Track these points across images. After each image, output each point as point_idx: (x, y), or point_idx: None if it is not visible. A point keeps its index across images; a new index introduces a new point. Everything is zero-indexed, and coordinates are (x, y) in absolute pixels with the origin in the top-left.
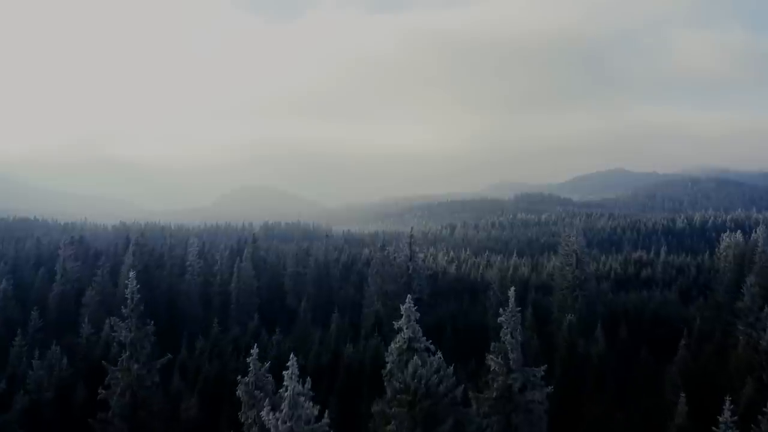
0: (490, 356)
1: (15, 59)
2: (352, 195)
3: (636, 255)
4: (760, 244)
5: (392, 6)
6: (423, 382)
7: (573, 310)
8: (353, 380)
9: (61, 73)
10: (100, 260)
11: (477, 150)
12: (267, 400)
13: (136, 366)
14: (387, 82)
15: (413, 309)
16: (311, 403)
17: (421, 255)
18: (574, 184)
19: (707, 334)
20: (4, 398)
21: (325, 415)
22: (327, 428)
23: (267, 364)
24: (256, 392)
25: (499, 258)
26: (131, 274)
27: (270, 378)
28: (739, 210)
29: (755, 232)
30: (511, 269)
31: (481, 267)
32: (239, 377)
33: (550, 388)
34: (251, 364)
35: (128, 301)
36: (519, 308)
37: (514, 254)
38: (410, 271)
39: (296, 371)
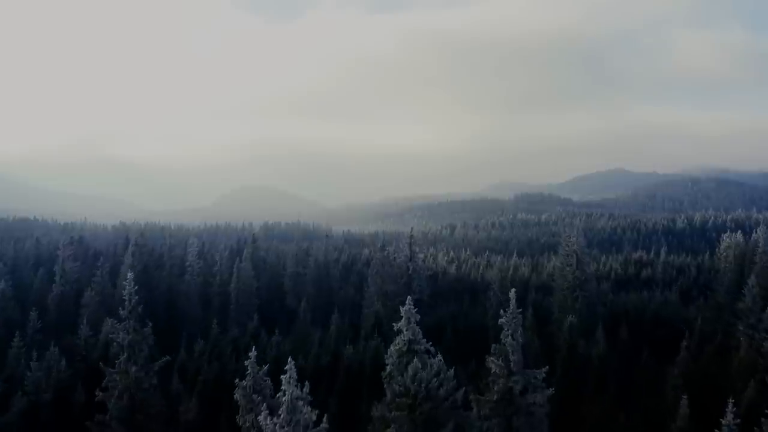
0: (491, 358)
1: (15, 59)
2: (352, 195)
3: (636, 255)
4: (760, 245)
5: (392, 6)
6: (423, 385)
7: (573, 311)
8: (353, 381)
9: (61, 73)
10: (100, 261)
11: (477, 150)
12: (265, 404)
13: (134, 368)
14: (387, 82)
15: (413, 311)
16: (309, 408)
17: (421, 255)
18: (574, 184)
19: (708, 335)
20: (2, 400)
21: (324, 419)
22: None
23: (265, 367)
24: (254, 396)
25: (499, 258)
26: (129, 275)
27: (268, 381)
28: (740, 210)
29: (756, 232)
30: (511, 269)
31: (481, 267)
32: (237, 380)
33: (551, 390)
34: (249, 367)
35: (126, 303)
36: (520, 310)
37: (515, 254)
38: (410, 272)
39: (294, 375)
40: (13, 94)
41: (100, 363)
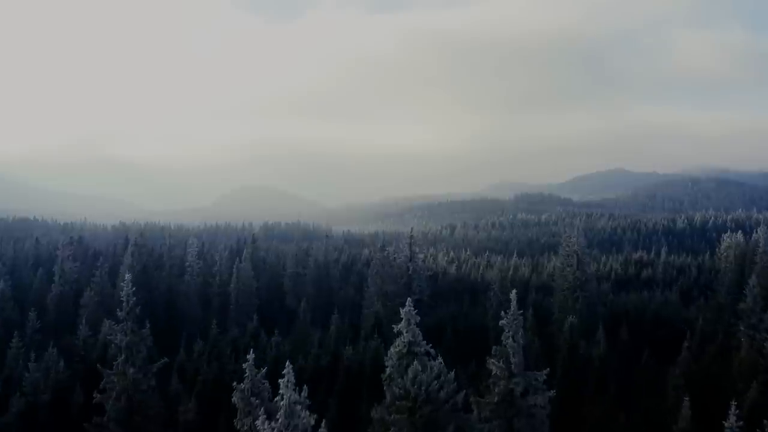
0: (492, 360)
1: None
2: (352, 195)
3: (636, 255)
4: (761, 245)
5: (392, 6)
6: (423, 387)
7: (574, 311)
8: (353, 382)
9: (61, 73)
10: (99, 261)
11: (477, 150)
12: (263, 408)
13: (131, 370)
14: (387, 82)
15: (413, 312)
16: (308, 412)
17: (421, 255)
18: (574, 184)
19: (709, 336)
20: (0, 401)
21: (323, 424)
22: None
23: (263, 370)
24: (252, 399)
25: (499, 258)
26: (126, 276)
27: (266, 384)
28: (740, 210)
29: (756, 232)
30: (511, 270)
31: (481, 267)
32: (235, 383)
33: (552, 392)
34: (247, 370)
35: (123, 304)
36: (521, 311)
37: (515, 255)
38: (410, 272)
39: (292, 379)
40: (13, 94)
41: (98, 365)
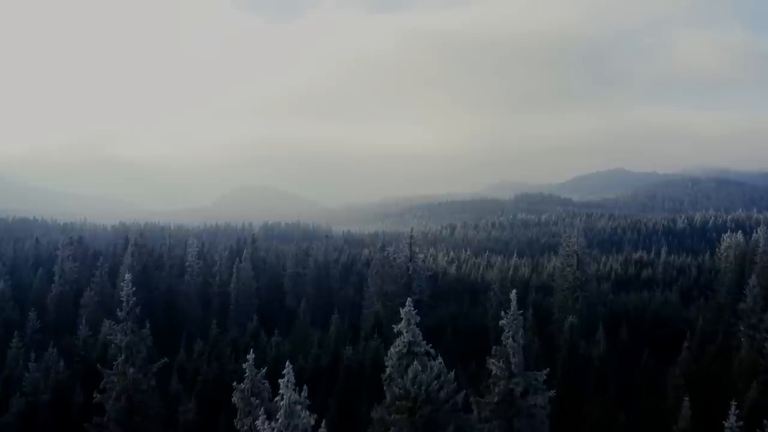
0: (492, 360)
1: (15, 59)
2: (352, 195)
3: (636, 255)
4: (761, 245)
5: (392, 6)
6: (423, 388)
7: (574, 312)
8: (353, 382)
9: (61, 73)
10: (99, 261)
11: (477, 150)
12: (263, 408)
13: (131, 370)
14: (387, 82)
15: (413, 312)
16: (308, 412)
17: (421, 256)
18: (574, 184)
19: (709, 336)
20: (0, 401)
21: (322, 424)
22: None
23: (263, 370)
24: (252, 399)
25: (499, 258)
26: (126, 276)
27: (266, 384)
28: (740, 210)
29: (756, 232)
30: (511, 270)
31: (481, 267)
32: (234, 383)
33: (552, 392)
34: (247, 370)
35: (123, 305)
36: (521, 311)
37: (515, 255)
38: (410, 272)
39: (292, 379)
40: (13, 94)
41: (98, 365)
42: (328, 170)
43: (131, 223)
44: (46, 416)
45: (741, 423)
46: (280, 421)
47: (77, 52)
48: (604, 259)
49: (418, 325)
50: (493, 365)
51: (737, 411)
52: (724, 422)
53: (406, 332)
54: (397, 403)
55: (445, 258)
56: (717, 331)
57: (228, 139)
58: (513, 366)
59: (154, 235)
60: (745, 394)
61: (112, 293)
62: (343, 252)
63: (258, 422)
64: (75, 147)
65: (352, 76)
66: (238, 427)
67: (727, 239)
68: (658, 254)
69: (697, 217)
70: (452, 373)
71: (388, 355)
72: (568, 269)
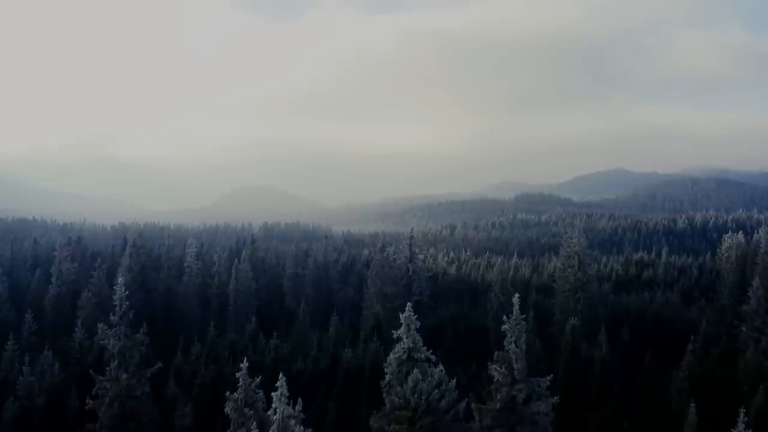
0: (494, 366)
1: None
2: (352, 195)
3: (637, 256)
4: (762, 245)
5: (392, 6)
6: (424, 397)
7: (575, 313)
8: (352, 385)
9: (61, 73)
10: (97, 262)
11: (477, 150)
12: (255, 421)
13: (124, 375)
14: (387, 82)
15: (413, 317)
16: (302, 427)
17: (421, 256)
18: (574, 184)
19: (712, 338)
20: None
21: None
22: None
23: (258, 379)
24: (246, 410)
25: (499, 259)
26: (120, 280)
27: (260, 394)
28: (740, 210)
29: (757, 232)
30: (511, 270)
31: (481, 268)
32: (227, 393)
33: (555, 398)
34: (240, 380)
35: (116, 309)
36: (523, 316)
37: (515, 255)
38: (410, 273)
39: (285, 392)
40: (13, 94)
41: (90, 370)
42: (328, 170)
43: (131, 223)
44: (41, 420)
45: (749, 431)
46: None
47: (77, 52)
48: (604, 259)
49: (418, 329)
50: (496, 371)
51: (746, 419)
52: (732, 430)
53: (406, 338)
54: (397, 412)
55: (445, 258)
56: (720, 333)
57: (228, 139)
58: (516, 372)
59: (154, 235)
60: (752, 399)
61: (110, 295)
62: (342, 252)
63: None
64: (75, 147)
65: (352, 76)
66: None
67: (728, 240)
68: (658, 255)
69: (698, 217)
70: (453, 381)
71: (388, 361)
72: (569, 270)
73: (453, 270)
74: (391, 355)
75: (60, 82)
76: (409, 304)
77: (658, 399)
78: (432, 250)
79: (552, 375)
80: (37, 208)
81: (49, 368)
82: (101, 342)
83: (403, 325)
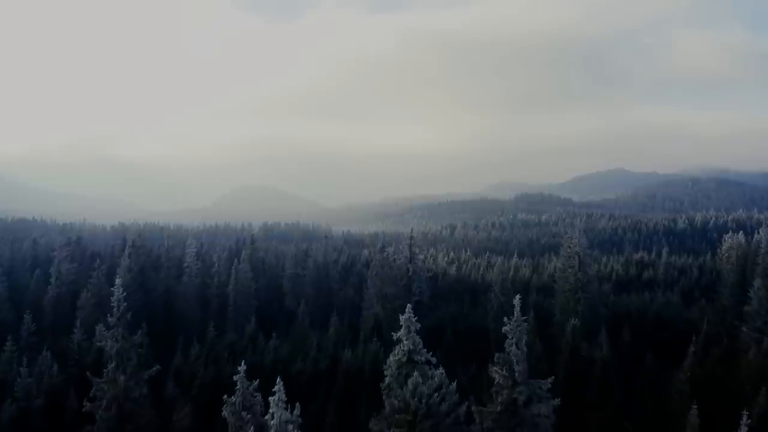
0: (495, 368)
1: (15, 59)
2: (352, 195)
3: (637, 256)
4: (763, 246)
5: (392, 6)
6: (424, 400)
7: (575, 313)
8: (352, 386)
9: (61, 73)
10: (96, 262)
11: (477, 150)
12: (253, 426)
13: (122, 377)
14: (387, 82)
15: (413, 319)
16: None
17: (421, 256)
18: (574, 184)
19: (713, 338)
20: None
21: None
22: None
23: (255, 383)
24: (244, 413)
25: (499, 259)
26: (117, 281)
27: (258, 398)
28: (740, 210)
29: (758, 232)
30: (512, 270)
31: (481, 268)
32: (225, 397)
33: (557, 400)
34: (238, 383)
35: (114, 310)
36: (524, 318)
37: (515, 255)
38: (410, 274)
39: (283, 397)
40: (13, 94)
41: (87, 372)
42: (328, 170)
43: (130, 223)
44: (39, 422)
45: None
46: None
47: (77, 52)
48: (604, 259)
49: (417, 331)
50: (496, 373)
51: (749, 421)
52: (733, 431)
53: (406, 340)
54: (396, 416)
55: (445, 258)
56: (720, 334)
57: (228, 139)
58: (517, 374)
59: (153, 235)
60: (754, 400)
61: (109, 295)
62: (342, 252)
63: None
64: (75, 147)
65: (352, 76)
66: None
67: (728, 240)
68: (659, 255)
69: (698, 217)
70: (454, 384)
71: (387, 363)
72: (570, 270)
73: (453, 270)
74: (391, 357)
75: (60, 82)
76: (408, 305)
77: (659, 400)
78: (432, 251)
79: (553, 376)
80: (37, 208)
81: (47, 369)
82: (99, 344)
83: (402, 327)
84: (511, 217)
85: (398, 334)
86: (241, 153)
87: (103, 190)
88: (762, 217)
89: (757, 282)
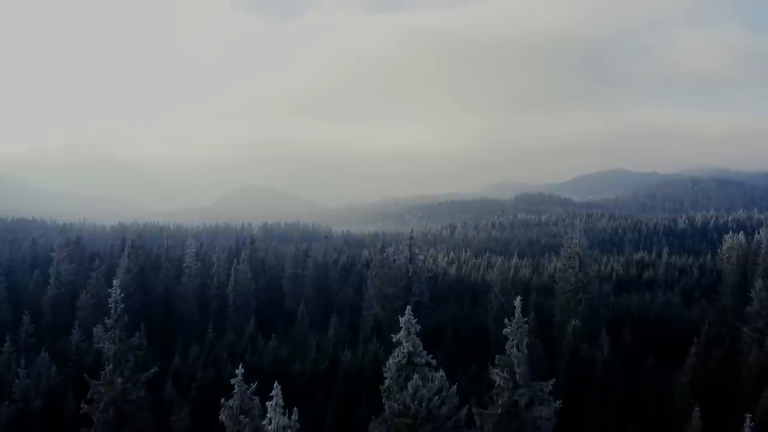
0: (495, 370)
1: (15, 59)
2: (352, 195)
3: (638, 256)
4: (763, 246)
5: (392, 6)
6: (424, 404)
7: (576, 314)
8: (352, 388)
9: (61, 73)
10: (96, 262)
11: (477, 150)
12: (250, 430)
13: (119, 380)
14: (387, 82)
15: (413, 321)
16: None
17: (421, 257)
18: (574, 184)
19: (714, 339)
20: None
21: None
22: None
23: (253, 385)
24: (241, 417)
25: (499, 259)
26: (115, 282)
27: (256, 401)
28: (741, 210)
29: (758, 233)
30: (512, 271)
31: (481, 268)
32: (222, 400)
33: (558, 402)
34: (236, 386)
35: (111, 311)
36: (525, 319)
37: (515, 255)
38: (410, 274)
39: (281, 402)
40: (13, 94)
41: (85, 375)
42: (328, 170)
43: (130, 223)
44: (37, 424)
45: None
46: None
47: (77, 52)
48: (605, 259)
49: (417, 333)
50: (497, 375)
51: (752, 424)
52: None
53: (406, 342)
54: (396, 419)
55: (445, 259)
56: (722, 335)
57: (228, 139)
58: (518, 376)
59: (153, 235)
60: (756, 402)
61: (108, 296)
62: (342, 253)
63: None
64: (75, 147)
65: (352, 76)
66: None
67: (728, 240)
68: (659, 255)
69: (698, 217)
70: (454, 387)
71: (387, 365)
72: (570, 271)
73: (453, 270)
74: (391, 360)
75: (60, 82)
76: (408, 307)
77: (661, 401)
78: (432, 251)
79: (554, 378)
80: (37, 208)
81: (45, 370)
82: (97, 345)
83: (402, 329)
84: (511, 217)
85: (398, 336)
86: (241, 153)
87: (103, 190)
88: (762, 217)
89: (759, 283)
